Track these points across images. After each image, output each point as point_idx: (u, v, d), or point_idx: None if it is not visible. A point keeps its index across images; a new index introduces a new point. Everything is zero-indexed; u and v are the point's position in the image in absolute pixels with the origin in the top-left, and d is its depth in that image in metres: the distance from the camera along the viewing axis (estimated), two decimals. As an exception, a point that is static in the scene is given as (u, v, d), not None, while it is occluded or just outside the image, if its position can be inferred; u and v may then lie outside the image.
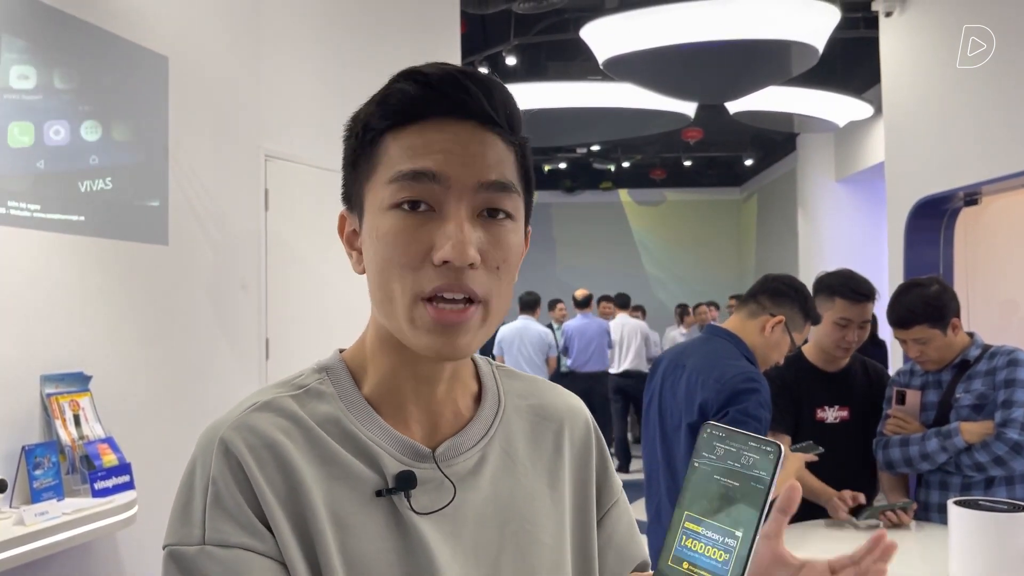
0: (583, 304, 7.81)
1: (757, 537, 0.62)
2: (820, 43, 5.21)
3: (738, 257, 13.33)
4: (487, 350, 7.19)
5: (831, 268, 2.78)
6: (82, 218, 2.58)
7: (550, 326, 8.00)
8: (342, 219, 0.81)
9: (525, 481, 0.81)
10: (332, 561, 0.70)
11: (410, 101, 0.74)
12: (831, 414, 2.55)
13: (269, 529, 0.70)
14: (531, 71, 7.62)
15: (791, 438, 2.52)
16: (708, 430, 0.66)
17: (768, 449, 0.63)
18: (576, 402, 0.92)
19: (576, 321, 7.79)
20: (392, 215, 0.73)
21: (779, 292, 2.31)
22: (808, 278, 2.68)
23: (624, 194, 13.64)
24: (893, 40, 5.30)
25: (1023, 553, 1.46)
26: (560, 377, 8.22)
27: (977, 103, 4.37)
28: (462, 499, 0.76)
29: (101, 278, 2.69)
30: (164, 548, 0.71)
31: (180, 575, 0.69)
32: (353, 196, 0.79)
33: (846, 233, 8.86)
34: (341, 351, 0.82)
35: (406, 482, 0.74)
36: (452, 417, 0.80)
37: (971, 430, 2.27)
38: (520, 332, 7.06)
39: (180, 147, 2.92)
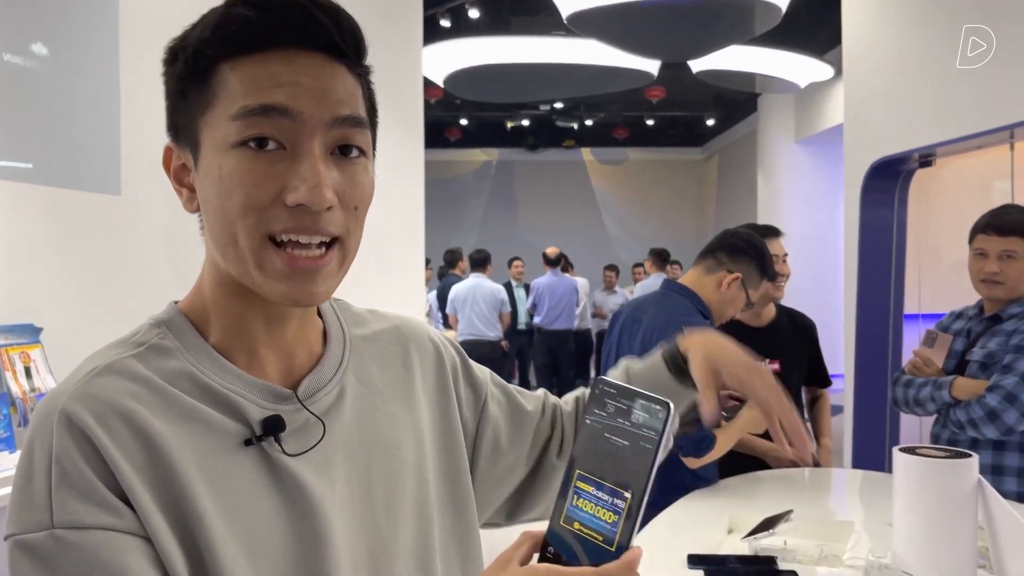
0: (554, 262, 7.83)
1: (646, 498, 0.60)
2: (783, 3, 5.20)
3: (699, 217, 13.43)
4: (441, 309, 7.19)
5: (790, 229, 2.86)
6: (29, 165, 2.50)
7: (508, 284, 8.01)
8: (168, 152, 0.75)
9: (382, 405, 0.81)
10: (209, 521, 0.66)
11: (252, 28, 0.68)
12: None
13: (128, 504, 0.64)
14: (494, 25, 7.50)
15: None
16: (600, 386, 0.64)
17: (657, 407, 0.61)
18: (413, 321, 0.91)
19: (546, 279, 7.82)
20: (237, 154, 0.68)
21: (737, 248, 2.33)
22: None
23: (587, 153, 13.61)
24: (855, 1, 5.31)
25: (964, 500, 1.51)
26: (524, 334, 8.27)
27: (934, 66, 4.41)
28: (330, 433, 0.75)
29: (50, 228, 2.62)
30: (6, 540, 0.64)
31: (33, 567, 0.62)
32: (183, 128, 0.73)
33: (804, 194, 8.97)
34: (176, 303, 0.78)
35: (275, 426, 0.72)
36: (306, 355, 0.78)
37: (962, 386, 2.25)
38: (473, 290, 7.07)
39: (132, 93, 2.84)
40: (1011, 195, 5.06)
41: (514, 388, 0.99)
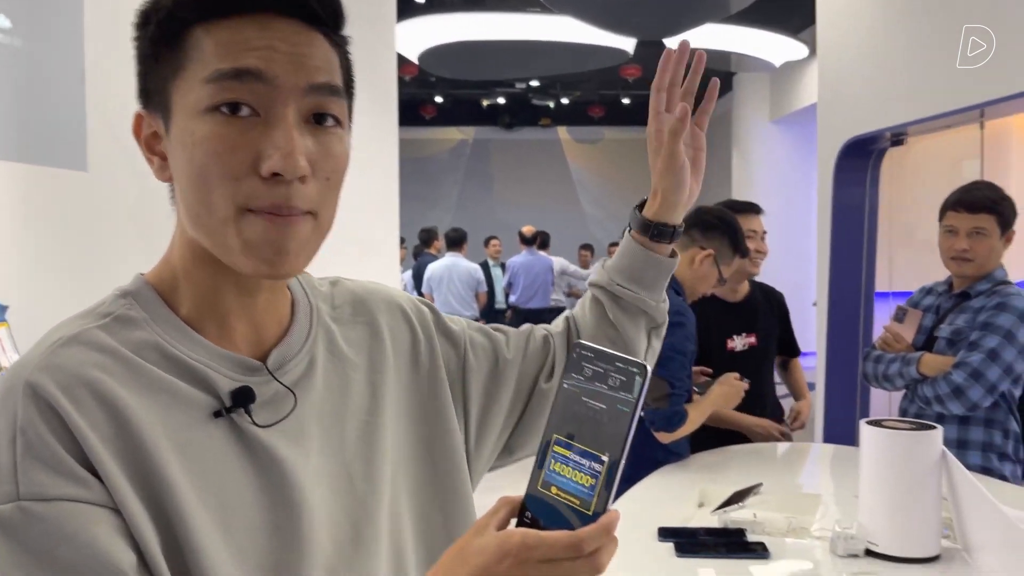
0: (529, 240, 7.82)
1: (623, 461, 0.60)
2: (758, -20, 5.20)
3: (674, 196, 13.45)
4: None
5: (764, 208, 2.88)
6: (-8, 141, 2.45)
7: (485, 263, 7.99)
8: (139, 119, 0.74)
9: (353, 373, 0.81)
10: (180, 492, 0.66)
11: None
12: (739, 342, 2.64)
13: (96, 475, 0.64)
14: (469, 1, 7.44)
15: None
16: (577, 350, 0.64)
17: (634, 370, 0.61)
18: (374, 286, 0.91)
19: (521, 257, 7.81)
20: (210, 119, 0.67)
21: (710, 225, 2.35)
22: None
23: (563, 131, 13.58)
24: (829, -21, 5.32)
25: (928, 471, 1.54)
26: (502, 313, 8.27)
27: (906, 45, 4.44)
28: (302, 404, 0.75)
29: (15, 205, 2.57)
30: None
31: None
32: (154, 94, 0.71)
33: (779, 173, 9.02)
34: (142, 275, 0.76)
35: (245, 398, 0.71)
36: (275, 326, 0.78)
37: (930, 363, 2.27)
38: (449, 269, 7.06)
39: (97, 66, 2.78)
40: (980, 174, 5.12)
41: (498, 331, 0.98)
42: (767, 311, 2.73)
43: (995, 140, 5.19)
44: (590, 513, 0.60)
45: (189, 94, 0.68)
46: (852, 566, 1.52)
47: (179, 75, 0.69)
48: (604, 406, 0.61)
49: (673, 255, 0.99)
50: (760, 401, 2.63)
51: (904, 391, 2.42)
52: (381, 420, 0.82)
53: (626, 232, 0.99)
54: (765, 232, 2.72)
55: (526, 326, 1.02)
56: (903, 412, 2.41)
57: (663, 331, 1.05)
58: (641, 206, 0.98)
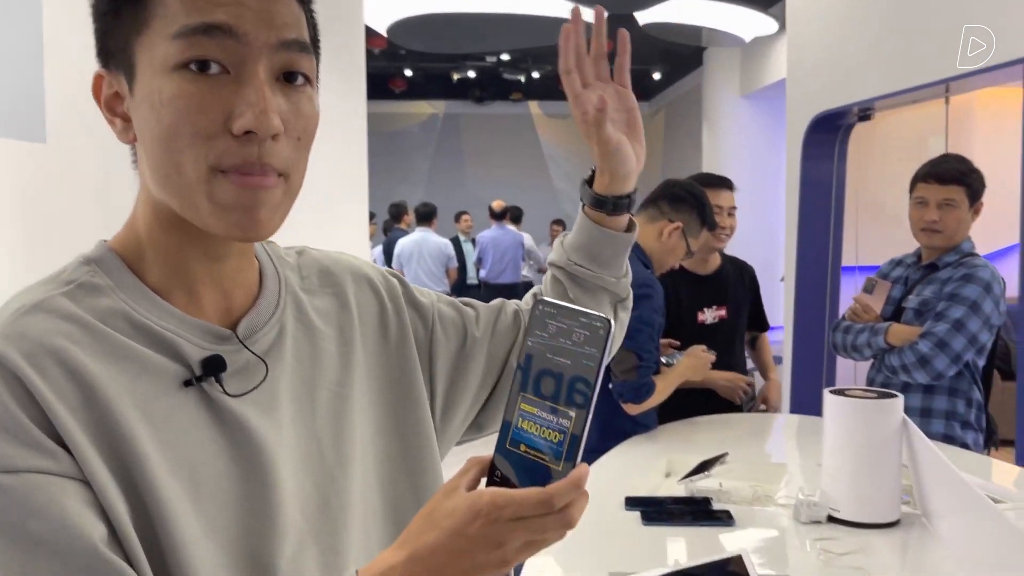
0: (499, 216, 7.78)
1: (590, 416, 0.60)
2: (729, -46, 5.19)
3: (645, 171, 13.43)
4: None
5: (734, 183, 2.89)
6: (-54, 111, 2.38)
7: (456, 238, 7.96)
8: (98, 80, 0.71)
9: (322, 343, 0.81)
10: (149, 463, 0.65)
11: None
12: (710, 315, 2.66)
13: (64, 447, 0.62)
14: (439, -28, 7.33)
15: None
16: (540, 307, 0.63)
17: (598, 324, 0.61)
18: (341, 256, 0.90)
19: (491, 232, 7.78)
20: (178, 77, 0.65)
21: (678, 198, 2.35)
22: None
23: (534, 106, 13.51)
24: (799, -47, 5.33)
25: (889, 439, 1.56)
26: (475, 288, 8.26)
27: (874, 21, 4.46)
28: (272, 373, 0.75)
29: (-28, 177, 2.50)
30: None
31: None
32: (115, 52, 0.69)
33: (749, 148, 9.05)
34: (105, 241, 0.75)
35: (215, 367, 0.70)
36: (244, 294, 0.77)
37: (897, 333, 2.32)
38: (419, 244, 7.01)
39: (56, 35, 2.71)
40: (945, 150, 5.18)
41: (468, 306, 0.97)
42: (738, 284, 2.75)
43: (959, 116, 5.25)
44: (559, 469, 0.60)
45: (154, 51, 0.66)
46: (814, 532, 1.55)
47: (143, 32, 0.67)
48: (569, 361, 0.61)
49: (631, 228, 0.98)
50: (726, 368, 2.66)
51: (872, 361, 2.46)
52: (351, 391, 0.81)
53: (581, 207, 0.98)
54: (734, 208, 2.73)
55: (497, 301, 1.01)
56: (870, 381, 2.45)
57: (629, 303, 1.04)
58: (591, 179, 0.97)
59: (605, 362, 0.60)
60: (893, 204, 5.96)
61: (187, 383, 0.70)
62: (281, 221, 0.71)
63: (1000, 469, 2.08)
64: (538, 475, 0.61)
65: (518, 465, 0.62)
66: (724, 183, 2.72)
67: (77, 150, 2.84)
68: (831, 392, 1.61)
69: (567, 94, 0.94)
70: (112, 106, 0.71)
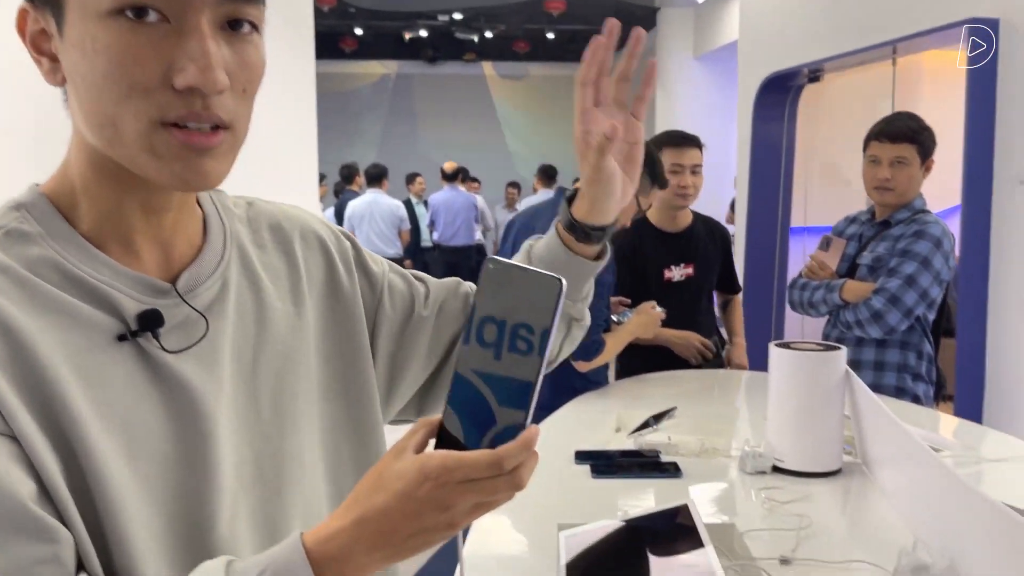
0: (451, 177, 7.70)
1: (541, 376, 0.59)
2: (682, -89, 5.15)
3: (599, 134, 13.46)
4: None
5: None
6: None
7: (408, 201, 7.87)
8: (23, 14, 0.67)
9: (268, 300, 0.78)
10: (82, 420, 0.63)
11: None
12: (677, 272, 2.68)
13: None
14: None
15: (632, 301, 2.64)
16: (490, 265, 0.62)
17: (549, 284, 0.59)
18: (293, 211, 0.87)
19: (443, 194, 7.69)
20: (113, 24, 0.61)
21: (628, 155, 2.34)
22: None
23: (488, 67, 13.36)
24: (752, -88, 5.31)
25: (832, 390, 1.59)
26: (424, 251, 8.20)
27: (825, -20, 4.48)
28: (214, 329, 0.72)
29: None
30: None
31: None
32: None
33: (702, 110, 9.09)
34: (38, 186, 0.71)
35: (152, 321, 0.68)
36: (185, 246, 0.74)
37: (852, 289, 2.36)
38: (370, 206, 6.91)
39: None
40: (892, 111, 5.25)
41: (420, 281, 0.95)
42: (708, 243, 2.74)
43: (906, 78, 5.31)
44: (511, 422, 0.59)
45: None
46: (759, 482, 1.58)
47: None
48: (521, 315, 0.59)
49: (600, 256, 0.94)
50: (698, 332, 2.68)
51: (828, 317, 2.51)
52: (297, 352, 0.79)
53: (554, 222, 0.94)
54: (698, 166, 2.66)
55: (452, 281, 0.99)
56: (826, 337, 2.51)
57: (586, 323, 1.02)
58: (573, 197, 0.92)
59: (558, 317, 0.59)
60: (842, 165, 6.05)
61: (121, 338, 0.67)
62: (228, 170, 0.68)
63: (941, 420, 2.14)
64: (488, 429, 0.60)
65: (468, 419, 0.61)
66: (687, 141, 2.68)
67: (6, 107, 2.73)
68: (776, 345, 1.63)
69: (576, 105, 0.87)
70: (38, 44, 0.67)
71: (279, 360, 0.77)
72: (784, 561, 1.22)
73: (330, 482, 0.81)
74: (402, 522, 0.59)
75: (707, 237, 2.76)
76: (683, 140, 2.67)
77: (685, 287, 2.68)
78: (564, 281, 0.59)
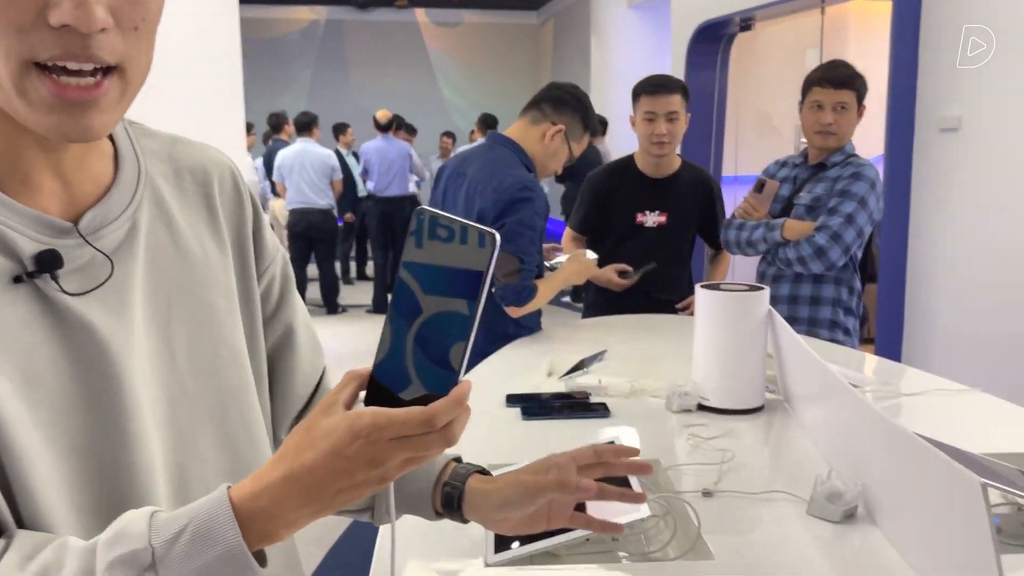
0: (385, 127, 7.54)
1: (474, 331, 0.58)
2: None
3: (535, 82, 13.36)
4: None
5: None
6: None
7: (337, 151, 7.70)
8: None
9: (185, 245, 0.76)
10: None
11: None
12: (650, 218, 2.70)
13: None
14: None
15: (595, 239, 2.76)
16: (421, 215, 0.60)
17: (483, 238, 0.58)
18: (219, 156, 0.84)
19: (376, 143, 7.53)
20: None
21: (561, 100, 2.33)
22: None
23: (421, 13, 13.07)
24: None
25: (755, 330, 1.63)
26: (360, 200, 8.06)
27: (756, -74, 4.48)
28: (122, 272, 0.69)
29: None
30: None
31: None
32: None
33: (637, 59, 9.07)
34: None
35: (49, 262, 0.65)
36: (91, 185, 0.70)
37: (792, 227, 2.43)
38: (301, 156, 6.72)
39: None
40: (820, 61, 5.32)
41: (294, 311, 0.89)
42: (688, 194, 2.73)
43: (834, 28, 5.38)
44: (442, 376, 0.58)
45: None
46: (685, 420, 1.61)
47: None
48: (453, 268, 0.58)
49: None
50: (673, 283, 2.71)
51: (761, 257, 2.60)
52: (214, 298, 0.76)
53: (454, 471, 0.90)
54: (673, 112, 2.62)
55: (312, 356, 0.91)
56: (761, 275, 2.60)
57: None
58: (471, 471, 0.89)
59: (490, 271, 0.58)
60: (772, 114, 6.13)
61: (17, 279, 0.63)
62: (118, 120, 0.65)
63: (861, 359, 2.22)
64: (419, 391, 0.59)
65: (398, 374, 0.60)
66: (662, 88, 2.64)
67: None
68: (702, 287, 1.66)
69: (548, 460, 0.86)
70: None
71: (198, 307, 0.75)
72: (706, 494, 1.26)
73: (245, 429, 0.79)
74: (332, 479, 0.58)
75: (689, 187, 2.74)
76: (657, 87, 2.63)
77: (657, 234, 2.70)
78: (497, 235, 0.58)
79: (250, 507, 0.59)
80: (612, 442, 1.27)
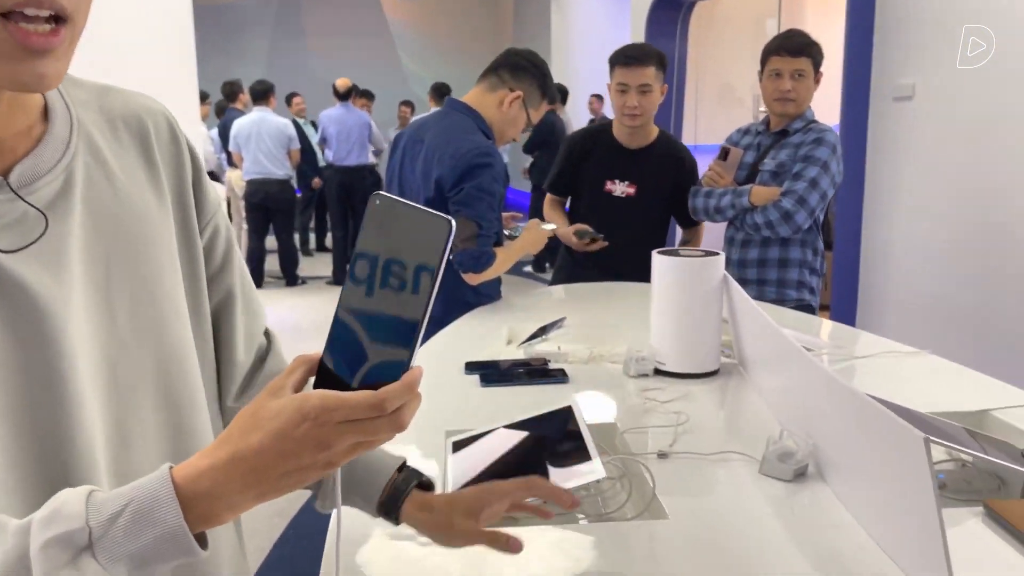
0: (343, 95, 7.42)
1: (426, 318, 0.57)
2: None
3: (494, 53, 13.22)
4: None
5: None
6: None
7: (294, 121, 7.56)
8: None
9: (125, 198, 0.73)
10: None
11: None
12: (619, 188, 2.70)
13: None
14: None
15: (565, 199, 2.80)
16: (376, 200, 0.59)
17: (438, 224, 0.57)
18: (153, 103, 0.81)
19: (334, 111, 7.40)
20: None
21: (519, 67, 2.30)
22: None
23: (379, -19, 12.86)
24: None
25: (710, 295, 1.64)
26: (319, 170, 7.94)
27: None
28: (57, 228, 0.67)
29: None
30: None
31: None
32: None
33: (596, 28, 9.03)
34: None
35: None
36: (21, 139, 0.68)
37: (759, 193, 2.49)
38: (257, 125, 6.58)
39: None
40: (778, 29, 5.35)
41: (239, 277, 0.88)
42: (661, 168, 2.71)
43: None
44: (394, 360, 0.58)
45: None
46: (642, 384, 1.63)
47: None
48: (406, 253, 0.57)
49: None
50: (639, 254, 2.69)
51: (730, 222, 2.65)
52: (156, 254, 0.74)
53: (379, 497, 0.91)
54: (645, 85, 2.59)
55: (260, 321, 0.91)
56: (730, 240, 2.65)
57: None
58: (411, 478, 0.90)
59: (445, 257, 0.57)
60: (731, 84, 6.15)
61: None
62: (66, 70, 0.63)
63: (817, 324, 2.25)
64: (372, 370, 0.58)
65: (350, 359, 0.59)
66: (635, 59, 2.60)
67: None
68: (658, 252, 1.67)
69: (484, 493, 0.90)
70: None
71: (139, 263, 0.73)
72: (662, 455, 1.27)
73: (187, 391, 0.77)
74: (278, 461, 0.57)
75: (661, 161, 2.72)
76: (630, 58, 2.61)
77: (625, 204, 2.71)
78: (453, 222, 0.57)
79: (193, 488, 0.57)
80: (569, 407, 1.27)
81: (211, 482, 0.57)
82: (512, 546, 0.85)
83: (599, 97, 7.78)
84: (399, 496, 0.89)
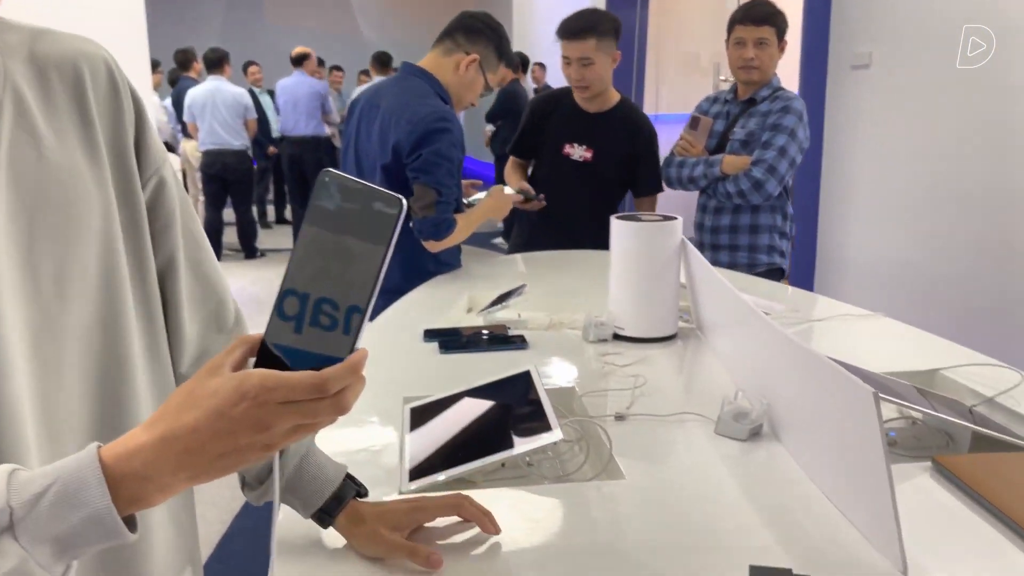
0: (296, 61, 7.27)
1: (373, 299, 0.56)
2: None
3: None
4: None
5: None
6: None
7: (251, 91, 7.41)
8: None
9: (53, 156, 0.69)
10: None
11: None
12: (576, 152, 2.70)
13: None
14: None
15: (526, 160, 2.82)
16: (325, 178, 0.57)
17: (389, 202, 0.56)
18: (91, 47, 0.76)
19: (289, 80, 7.26)
20: None
21: (474, 30, 2.27)
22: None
23: (337, -52, 12.61)
24: None
25: (668, 259, 1.65)
26: (275, 142, 7.81)
27: None
28: None
29: None
30: None
31: None
32: None
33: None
34: None
35: None
36: None
37: (730, 162, 2.53)
38: (212, 94, 6.43)
39: None
40: (739, 3, 5.35)
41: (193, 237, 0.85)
42: (617, 134, 2.69)
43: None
44: (337, 342, 0.56)
45: None
46: (601, 349, 1.63)
47: None
48: (354, 241, 0.56)
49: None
50: (595, 219, 2.66)
51: (701, 191, 2.69)
52: (87, 216, 0.70)
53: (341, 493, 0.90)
54: (585, 58, 2.57)
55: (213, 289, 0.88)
56: (703, 207, 2.69)
57: None
58: (348, 493, 0.90)
59: (395, 237, 0.55)
60: (693, 53, 6.15)
61: None
62: None
63: (776, 289, 2.28)
64: (313, 358, 0.56)
65: (292, 339, 0.57)
66: (572, 33, 2.58)
67: None
68: (617, 218, 1.66)
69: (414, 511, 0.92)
70: None
71: (67, 225, 0.69)
72: (619, 417, 1.28)
73: (116, 360, 0.74)
74: (213, 441, 0.55)
75: (617, 128, 2.70)
76: (567, 32, 2.61)
77: (582, 169, 2.71)
78: (404, 201, 0.56)
79: (122, 468, 0.55)
80: (527, 372, 1.27)
81: (141, 462, 0.55)
82: (432, 562, 0.85)
83: (542, 66, 7.74)
84: (338, 506, 0.89)
